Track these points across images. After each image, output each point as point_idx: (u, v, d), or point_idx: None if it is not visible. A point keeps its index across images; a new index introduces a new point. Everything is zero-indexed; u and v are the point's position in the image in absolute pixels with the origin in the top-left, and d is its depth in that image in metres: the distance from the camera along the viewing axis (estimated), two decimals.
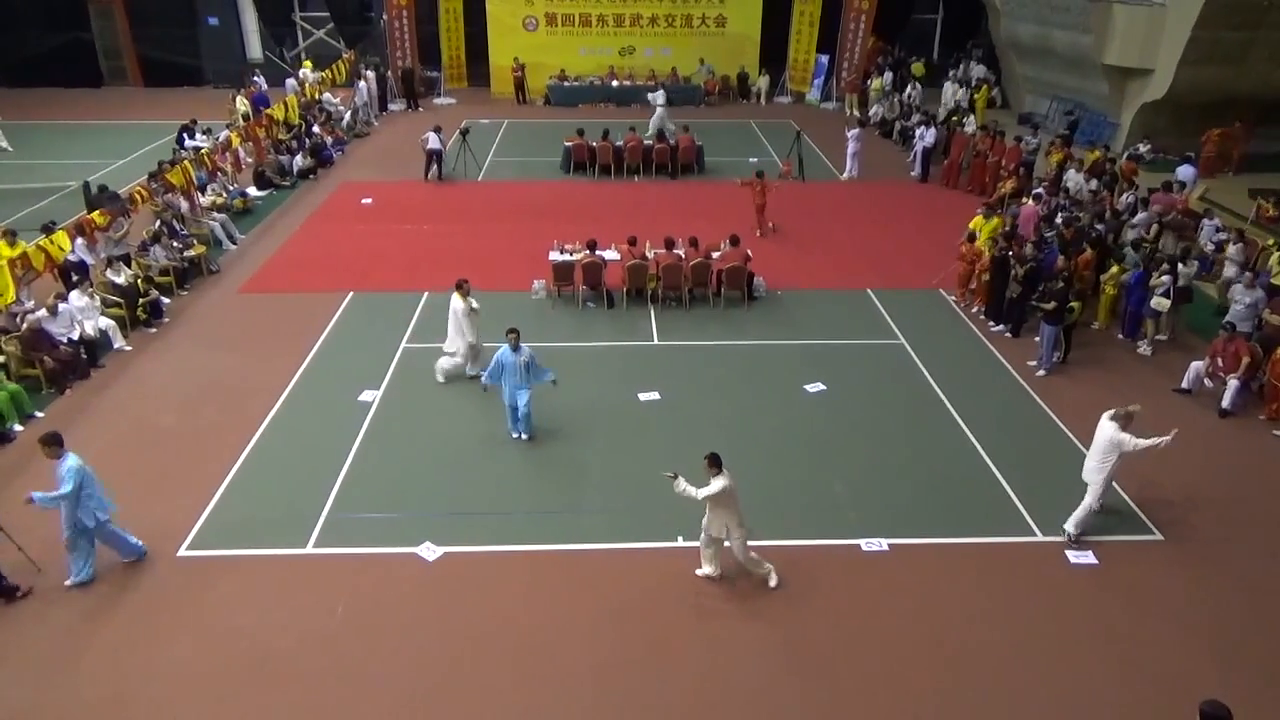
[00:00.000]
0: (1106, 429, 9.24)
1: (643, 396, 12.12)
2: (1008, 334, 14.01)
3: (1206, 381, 12.25)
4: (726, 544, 8.63)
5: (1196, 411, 12.00)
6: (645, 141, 22.34)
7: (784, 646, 8.10)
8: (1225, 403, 11.88)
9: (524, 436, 10.99)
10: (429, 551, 9.17)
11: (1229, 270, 13.54)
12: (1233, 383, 11.83)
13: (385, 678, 7.69)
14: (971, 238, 15.12)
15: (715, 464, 8.35)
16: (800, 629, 8.30)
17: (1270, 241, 15.32)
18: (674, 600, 8.59)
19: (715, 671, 7.80)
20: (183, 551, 9.14)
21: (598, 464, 10.72)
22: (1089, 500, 9.34)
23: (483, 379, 11.16)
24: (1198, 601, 8.67)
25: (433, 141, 21.32)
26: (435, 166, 21.56)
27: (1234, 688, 7.35)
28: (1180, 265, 13.68)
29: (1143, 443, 9.05)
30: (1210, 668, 7.86)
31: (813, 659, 7.97)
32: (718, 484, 8.27)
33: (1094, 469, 9.34)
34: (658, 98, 24.76)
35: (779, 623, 8.37)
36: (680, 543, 9.27)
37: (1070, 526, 9.41)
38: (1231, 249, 15.13)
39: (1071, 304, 12.74)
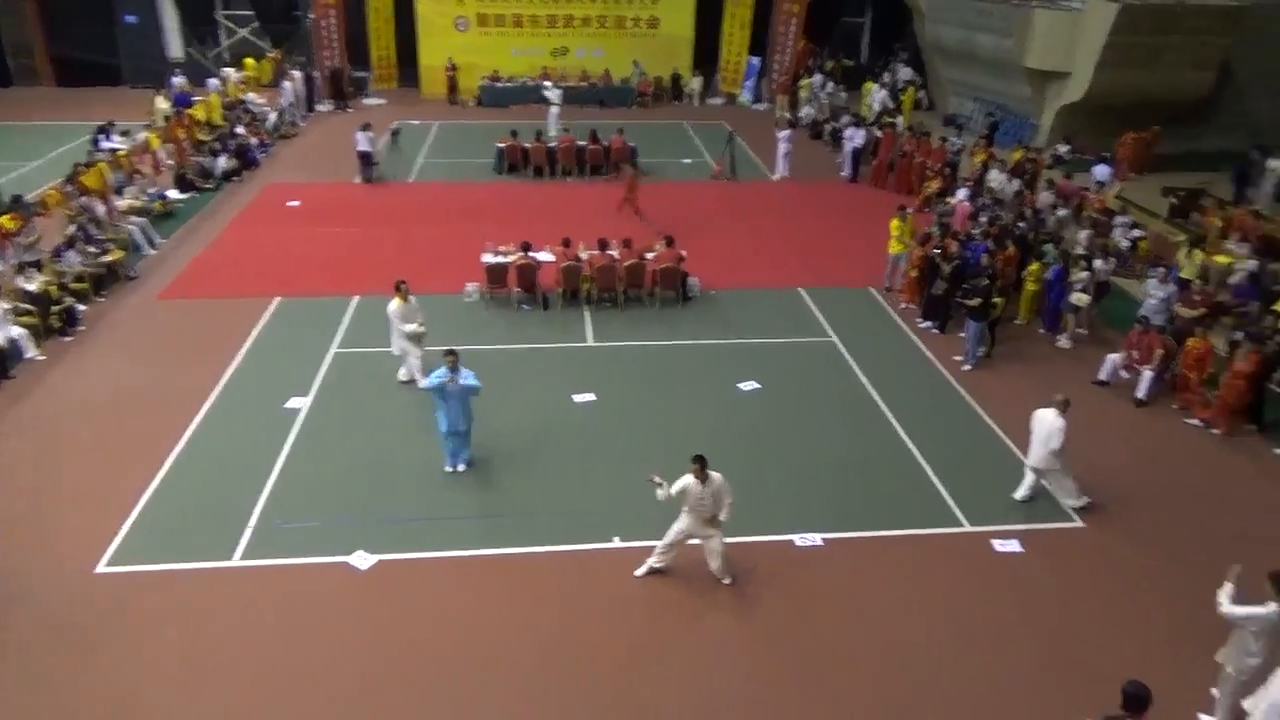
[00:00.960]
0: (1047, 417, 9.70)
1: (578, 398, 12.08)
2: (935, 330, 14.32)
3: (1123, 373, 12.72)
4: (693, 542, 8.63)
5: (1114, 402, 12.44)
6: (579, 143, 22.28)
7: (720, 642, 8.16)
8: (1140, 393, 12.34)
9: (461, 468, 10.45)
10: (361, 560, 8.99)
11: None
12: (1147, 374, 12.29)
13: (317, 691, 7.52)
14: (925, 239, 15.18)
15: (705, 465, 8.36)
16: (736, 625, 8.36)
17: (1181, 238, 15.96)
18: (610, 601, 8.58)
19: (647, 670, 7.81)
20: (101, 568, 8.81)
21: (533, 467, 10.65)
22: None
23: (427, 383, 10.39)
24: (1119, 584, 8.99)
25: (361, 143, 20.91)
26: (366, 168, 21.18)
27: (1154, 667, 7.60)
28: (1099, 262, 14.16)
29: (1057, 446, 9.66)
30: (1132, 648, 8.15)
31: (748, 654, 8.04)
32: (719, 477, 8.41)
33: (1046, 455, 9.74)
34: (553, 95, 24.29)
35: (716, 619, 8.43)
36: (616, 543, 9.28)
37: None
38: (1082, 234, 15.93)
39: (995, 300, 13.09)
